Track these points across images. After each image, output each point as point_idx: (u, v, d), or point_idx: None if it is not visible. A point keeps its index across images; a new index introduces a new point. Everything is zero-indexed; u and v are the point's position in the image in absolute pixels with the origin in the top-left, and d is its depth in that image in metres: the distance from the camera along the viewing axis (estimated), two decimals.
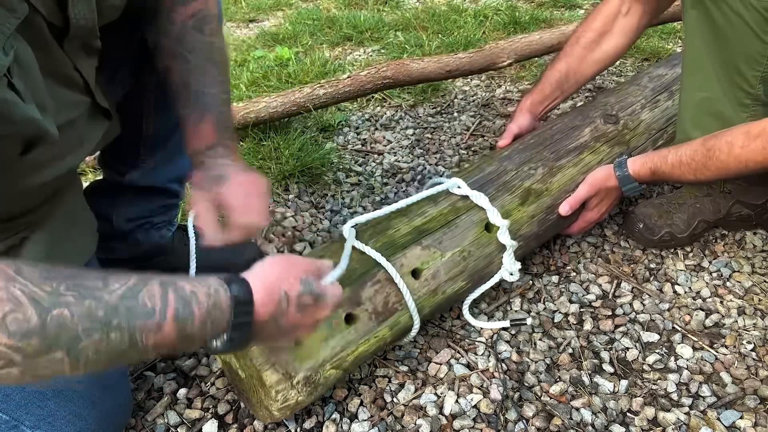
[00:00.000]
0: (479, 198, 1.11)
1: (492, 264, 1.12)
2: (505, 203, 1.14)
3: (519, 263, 1.14)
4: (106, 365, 0.55)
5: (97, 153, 1.20)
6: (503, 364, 1.09)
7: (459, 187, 1.12)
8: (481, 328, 1.15)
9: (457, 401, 1.02)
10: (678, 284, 1.27)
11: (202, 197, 0.87)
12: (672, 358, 1.10)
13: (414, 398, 1.03)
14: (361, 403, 1.02)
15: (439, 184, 1.15)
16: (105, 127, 0.83)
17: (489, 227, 1.11)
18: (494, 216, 1.10)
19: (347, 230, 1.00)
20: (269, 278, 0.66)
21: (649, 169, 1.16)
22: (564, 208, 1.22)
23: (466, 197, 1.12)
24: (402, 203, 1.08)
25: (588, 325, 1.18)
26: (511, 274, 1.13)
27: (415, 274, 1.02)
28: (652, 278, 1.29)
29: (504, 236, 1.10)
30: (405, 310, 0.99)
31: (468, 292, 1.13)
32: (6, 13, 0.55)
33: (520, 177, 1.20)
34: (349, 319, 0.93)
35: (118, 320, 0.53)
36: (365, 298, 0.95)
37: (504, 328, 1.16)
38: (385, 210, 1.06)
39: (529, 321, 1.16)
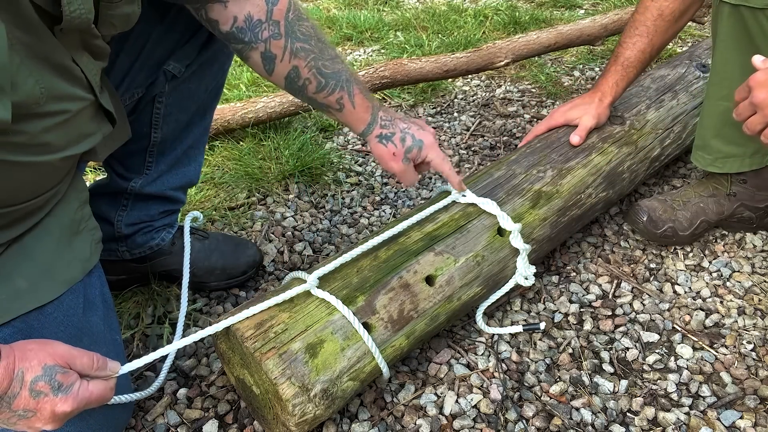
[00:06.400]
0: (487, 204, 1.09)
1: (506, 269, 1.10)
2: (516, 206, 1.14)
3: (533, 267, 1.13)
4: None
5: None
6: (503, 364, 1.09)
7: (464, 196, 1.11)
8: (481, 330, 1.15)
9: (457, 401, 1.02)
10: (678, 284, 1.27)
11: (407, 170, 1.05)
12: (672, 358, 1.10)
13: (414, 398, 1.03)
14: (361, 403, 1.02)
15: (445, 192, 1.14)
16: (108, 130, 0.83)
17: (501, 231, 1.10)
18: (505, 221, 1.08)
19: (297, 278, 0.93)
20: (14, 355, 0.65)
21: None
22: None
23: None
24: (404, 224, 1.04)
25: (588, 325, 1.18)
26: (526, 279, 1.12)
27: (429, 280, 1.00)
28: (652, 278, 1.29)
29: (517, 240, 1.08)
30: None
31: (482, 298, 1.11)
32: None
33: (530, 180, 1.19)
34: (365, 328, 0.91)
35: None
36: (380, 307, 0.93)
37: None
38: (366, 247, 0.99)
39: (542, 326, 1.14)
